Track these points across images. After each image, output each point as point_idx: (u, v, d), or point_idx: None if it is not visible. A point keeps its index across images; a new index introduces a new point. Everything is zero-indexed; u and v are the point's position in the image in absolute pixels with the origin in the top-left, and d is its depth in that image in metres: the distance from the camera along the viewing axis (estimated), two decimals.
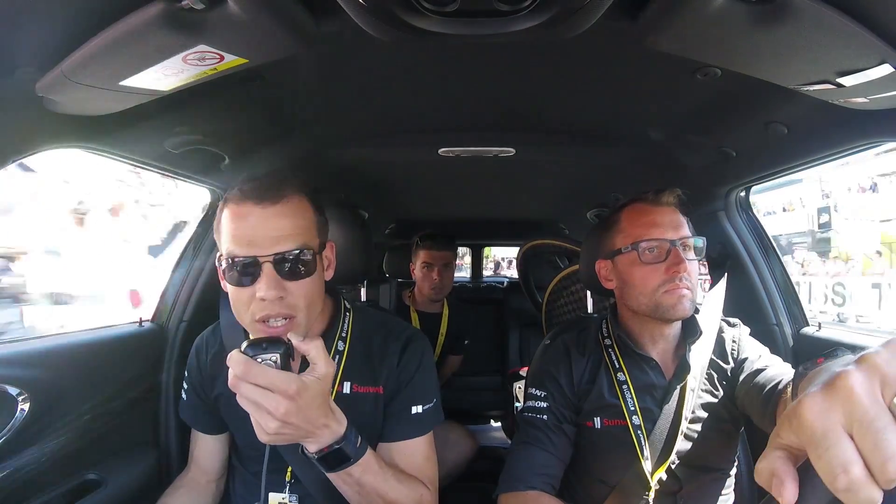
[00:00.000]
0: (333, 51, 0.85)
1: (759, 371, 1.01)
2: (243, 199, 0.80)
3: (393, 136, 1.39)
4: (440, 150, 1.41)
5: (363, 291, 1.98)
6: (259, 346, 0.70)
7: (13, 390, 0.93)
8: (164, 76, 0.71)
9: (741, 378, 1.04)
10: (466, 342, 2.45)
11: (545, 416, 1.08)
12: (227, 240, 0.80)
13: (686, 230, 1.04)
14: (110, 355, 1.21)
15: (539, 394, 1.10)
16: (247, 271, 0.79)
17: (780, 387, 0.91)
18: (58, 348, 1.09)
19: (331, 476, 0.82)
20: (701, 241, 1.05)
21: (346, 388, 0.96)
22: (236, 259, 0.79)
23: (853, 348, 1.17)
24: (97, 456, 1.15)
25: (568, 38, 0.64)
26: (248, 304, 0.80)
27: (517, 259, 2.60)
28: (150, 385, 1.34)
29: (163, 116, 1.01)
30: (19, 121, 0.80)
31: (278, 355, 0.70)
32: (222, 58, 0.68)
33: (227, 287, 0.82)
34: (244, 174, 0.88)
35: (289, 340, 0.73)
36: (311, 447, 0.77)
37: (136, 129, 1.01)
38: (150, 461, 1.27)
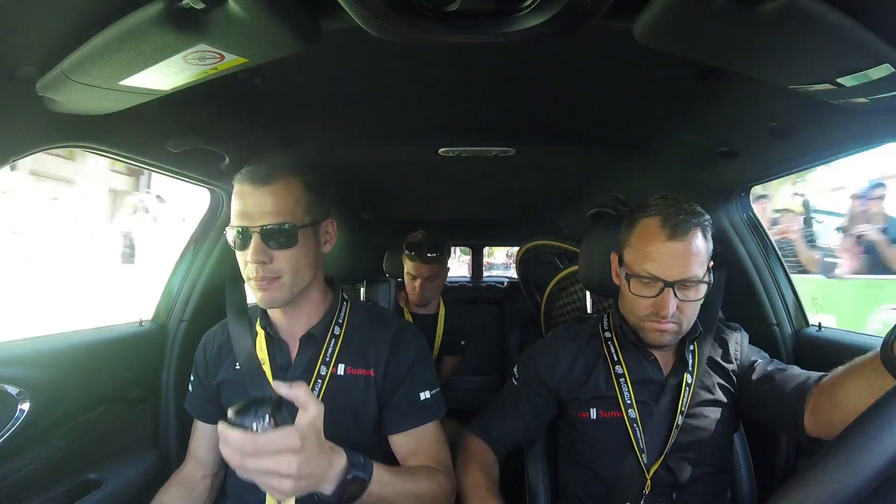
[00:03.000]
0: (334, 50, 0.85)
1: (779, 371, 1.02)
2: (243, 181, 0.95)
3: (393, 136, 1.39)
4: (440, 150, 1.41)
5: (363, 291, 1.98)
6: (248, 412, 0.69)
7: (13, 390, 0.93)
8: (164, 76, 0.71)
9: (753, 379, 1.04)
10: (464, 343, 2.45)
11: (513, 391, 1.18)
12: (232, 213, 0.96)
13: (694, 269, 0.96)
14: (110, 355, 1.21)
15: (516, 374, 1.19)
16: (242, 238, 0.93)
17: (812, 381, 0.93)
18: (58, 348, 1.09)
19: None
20: (703, 285, 0.99)
21: (340, 370, 1.02)
22: (235, 228, 0.94)
23: (854, 349, 1.17)
24: (97, 456, 1.16)
25: (568, 37, 0.64)
26: (245, 266, 0.95)
27: (516, 259, 2.60)
28: (150, 385, 1.34)
29: (163, 116, 1.01)
30: (20, 120, 0.80)
31: (268, 414, 0.69)
32: (222, 57, 0.68)
33: (235, 252, 0.97)
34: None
35: (273, 395, 0.73)
36: (327, 489, 0.76)
37: (136, 129, 1.01)
38: (150, 461, 1.27)
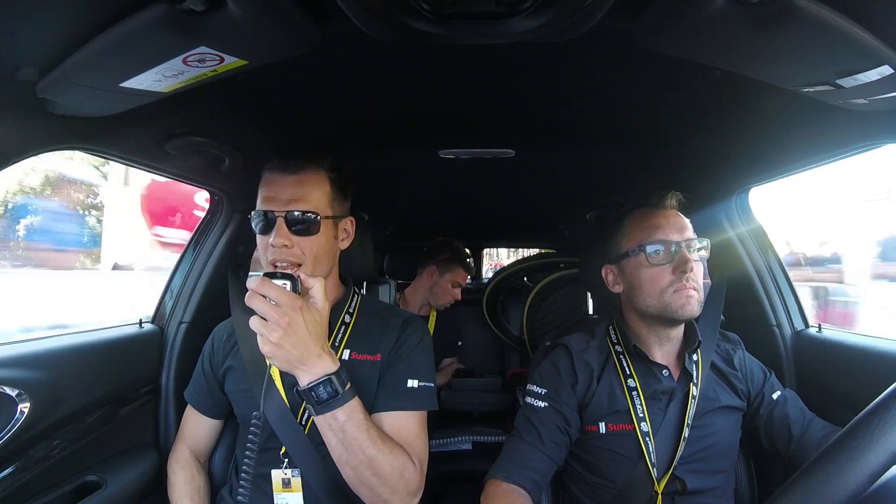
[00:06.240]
0: (334, 53, 0.86)
1: (780, 407, 1.10)
2: (273, 169, 1.02)
3: (393, 138, 1.39)
4: (440, 153, 1.41)
5: (363, 293, 1.97)
6: (274, 276, 0.87)
7: (12, 391, 0.93)
8: (164, 77, 0.71)
9: (761, 407, 1.10)
10: (460, 343, 2.45)
11: (543, 414, 1.08)
12: (258, 198, 1.01)
13: (690, 232, 1.06)
14: (110, 356, 1.21)
15: (540, 391, 1.11)
16: (266, 222, 0.98)
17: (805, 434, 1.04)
18: (57, 349, 1.09)
19: (318, 420, 0.88)
20: (706, 242, 1.06)
21: (346, 354, 1.05)
22: (260, 212, 0.99)
23: (853, 350, 1.17)
24: (97, 457, 1.15)
25: (568, 39, 0.64)
26: (266, 250, 0.99)
27: (485, 300, 2.68)
28: (149, 386, 1.34)
29: (163, 118, 1.01)
30: (21, 122, 0.80)
31: (289, 282, 0.86)
32: (222, 59, 0.68)
33: (257, 235, 1.02)
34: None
35: (298, 275, 0.89)
36: (304, 378, 0.86)
37: (136, 131, 1.01)
38: (150, 462, 1.27)
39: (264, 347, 0.84)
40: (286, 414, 1.00)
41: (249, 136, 1.24)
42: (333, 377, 0.86)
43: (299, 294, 0.87)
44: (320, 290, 0.91)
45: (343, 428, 0.87)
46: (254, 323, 0.84)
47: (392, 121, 1.28)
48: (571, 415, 1.08)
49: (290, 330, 0.82)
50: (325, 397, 0.86)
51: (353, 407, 0.88)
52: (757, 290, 1.38)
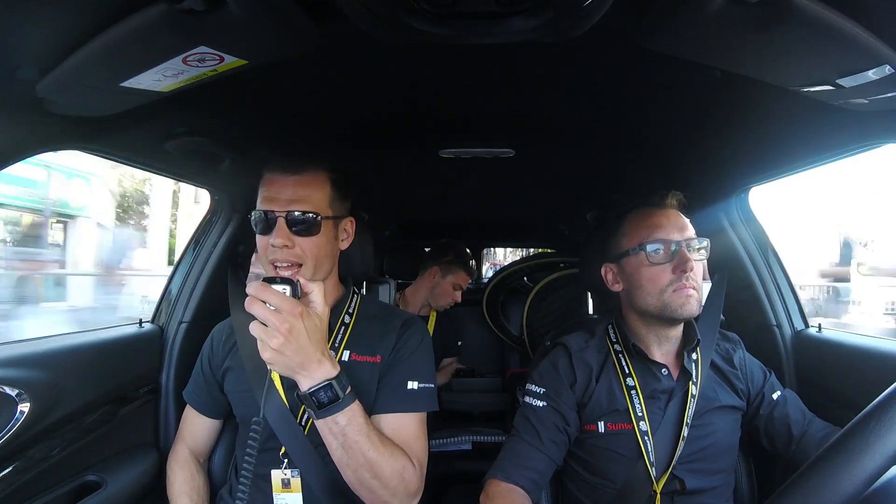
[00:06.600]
0: (334, 52, 0.86)
1: (780, 407, 1.09)
2: (273, 169, 1.01)
3: (393, 138, 1.39)
4: (440, 152, 1.41)
5: (363, 293, 1.97)
6: (274, 281, 0.86)
7: (12, 391, 0.93)
8: (164, 77, 0.71)
9: (761, 407, 1.10)
10: (460, 343, 2.45)
11: (542, 414, 1.08)
12: (259, 198, 1.01)
13: (691, 231, 1.06)
14: (110, 356, 1.21)
15: (538, 391, 1.11)
16: (267, 223, 0.98)
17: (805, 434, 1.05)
18: (58, 349, 1.09)
19: (319, 424, 0.88)
20: (706, 242, 1.06)
21: (346, 356, 1.04)
22: (261, 212, 0.99)
23: (853, 350, 1.17)
24: (97, 457, 1.16)
25: (568, 39, 0.64)
26: (266, 250, 0.99)
27: (485, 300, 2.68)
28: (150, 386, 1.34)
29: (163, 118, 1.01)
30: (20, 122, 0.80)
31: (289, 287, 0.86)
32: (222, 59, 0.68)
33: (256, 236, 1.02)
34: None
35: (298, 280, 0.88)
36: (304, 383, 0.86)
37: (136, 131, 1.01)
38: (150, 462, 1.27)
39: (265, 353, 0.84)
40: (286, 414, 1.00)
41: (249, 136, 1.24)
42: (334, 382, 0.86)
43: (299, 299, 0.87)
44: (319, 295, 0.91)
45: (343, 432, 0.87)
46: (254, 329, 0.83)
47: (392, 120, 1.28)
48: (570, 414, 1.08)
49: (290, 336, 0.82)
50: (325, 402, 0.86)
51: (354, 411, 0.88)
52: (757, 289, 1.38)
